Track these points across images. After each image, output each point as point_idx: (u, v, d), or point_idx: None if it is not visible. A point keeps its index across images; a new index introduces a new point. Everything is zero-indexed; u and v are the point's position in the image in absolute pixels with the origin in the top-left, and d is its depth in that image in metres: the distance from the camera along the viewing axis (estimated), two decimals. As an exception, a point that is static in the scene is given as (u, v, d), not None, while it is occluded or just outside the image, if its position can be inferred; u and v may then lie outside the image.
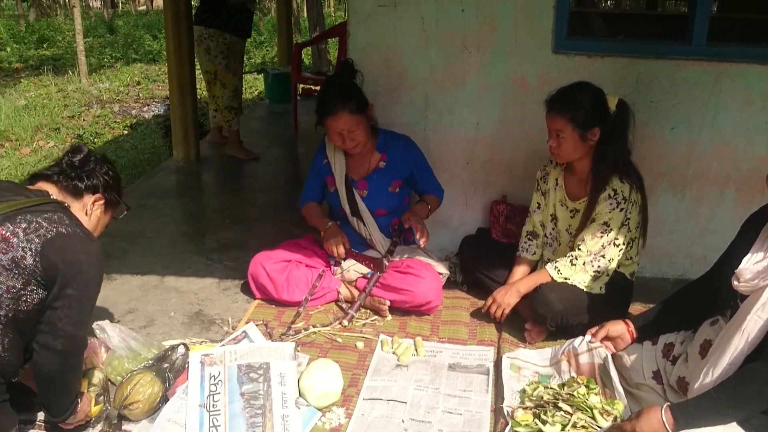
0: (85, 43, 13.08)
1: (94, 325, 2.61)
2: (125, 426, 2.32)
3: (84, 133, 7.45)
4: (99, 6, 29.70)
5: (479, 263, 3.22)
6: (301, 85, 7.07)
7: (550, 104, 2.73)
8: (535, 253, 3.06)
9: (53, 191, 2.12)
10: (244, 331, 2.75)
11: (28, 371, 2.13)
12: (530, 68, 3.32)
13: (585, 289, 2.76)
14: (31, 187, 2.11)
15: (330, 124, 2.99)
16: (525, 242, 3.07)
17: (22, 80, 11.87)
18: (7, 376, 1.91)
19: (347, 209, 3.20)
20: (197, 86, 5.83)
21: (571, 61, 3.28)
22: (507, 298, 2.85)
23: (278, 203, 4.69)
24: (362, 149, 3.10)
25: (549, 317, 2.74)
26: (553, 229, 2.99)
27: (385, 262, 3.12)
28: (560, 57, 3.28)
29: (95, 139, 7.42)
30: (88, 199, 2.18)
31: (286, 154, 6.30)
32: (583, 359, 2.48)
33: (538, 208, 3.06)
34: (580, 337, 2.52)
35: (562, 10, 3.22)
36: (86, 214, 2.19)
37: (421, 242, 3.04)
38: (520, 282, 2.89)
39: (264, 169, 5.65)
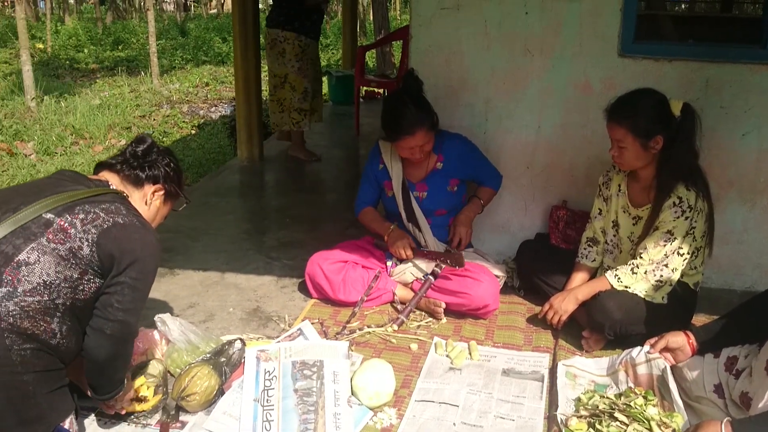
0: (157, 45, 13.52)
1: (155, 318, 2.69)
2: (182, 417, 2.37)
3: (153, 132, 7.69)
4: (172, 9, 30.63)
5: (537, 268, 3.17)
6: (364, 88, 7.12)
7: (610, 113, 2.67)
8: (594, 260, 3.00)
9: (115, 181, 2.18)
10: (300, 329, 2.79)
11: (76, 366, 2.19)
12: (595, 72, 3.26)
13: (646, 299, 2.69)
14: (92, 176, 2.17)
15: (406, 141, 3.00)
16: (585, 248, 3.02)
17: (97, 80, 12.36)
18: (66, 362, 1.95)
19: (403, 214, 3.21)
20: (262, 87, 5.93)
21: (637, 65, 3.21)
22: (564, 304, 2.81)
23: (337, 204, 4.75)
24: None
25: (607, 326, 2.69)
26: (614, 236, 2.92)
27: (439, 266, 3.12)
28: (626, 61, 3.21)
29: (164, 138, 7.66)
30: (148, 188, 2.23)
31: (347, 155, 6.36)
32: (641, 370, 2.42)
33: (600, 214, 3.00)
34: (639, 348, 2.46)
35: (630, 14, 3.15)
36: (146, 203, 2.23)
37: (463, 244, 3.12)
38: (579, 289, 2.84)
39: (325, 170, 5.72)
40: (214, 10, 31.11)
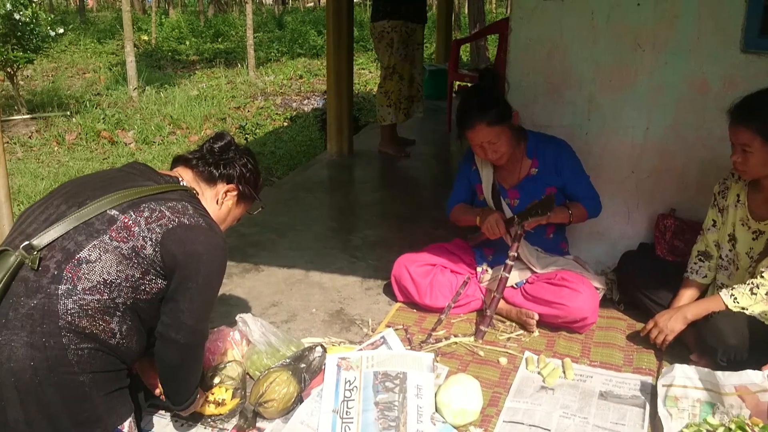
0: (255, 38, 13.73)
1: (237, 317, 2.63)
2: (259, 423, 2.30)
3: (246, 123, 7.77)
4: (271, 3, 31.25)
5: (640, 282, 2.93)
6: (457, 82, 6.93)
7: (735, 115, 2.40)
8: (706, 276, 2.73)
9: (188, 176, 2.10)
10: (383, 337, 2.66)
11: (144, 365, 2.15)
12: (713, 69, 2.97)
13: (765, 322, 2.41)
14: (164, 172, 2.09)
15: (469, 137, 2.82)
16: (695, 263, 2.75)
17: (196, 72, 12.67)
18: (127, 362, 1.90)
19: None
20: (354, 81, 5.85)
21: (762, 62, 2.89)
22: (671, 323, 2.56)
23: (426, 202, 4.60)
24: (508, 159, 2.90)
25: (720, 351, 2.43)
26: (730, 251, 2.64)
27: (520, 224, 2.88)
28: (750, 57, 2.90)
29: (256, 130, 7.72)
30: (221, 187, 2.14)
31: (439, 151, 6.20)
32: (765, 398, 2.15)
33: (713, 226, 2.72)
34: (759, 372, 2.18)
35: (756, 4, 2.84)
36: (217, 203, 2.15)
37: (526, 224, 2.86)
38: (688, 307, 2.58)
39: (415, 167, 5.58)
40: (311, 4, 31.50)
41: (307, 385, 2.42)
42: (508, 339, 2.84)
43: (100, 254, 1.77)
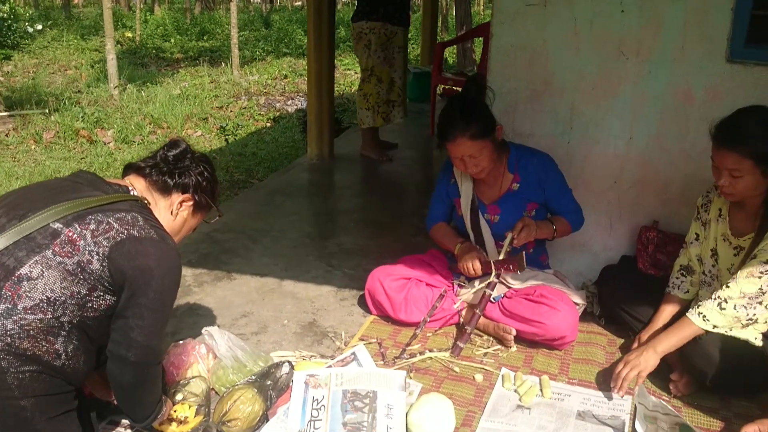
0: (241, 37, 13.61)
1: (203, 330, 2.54)
2: (223, 443, 2.20)
3: (228, 124, 7.64)
4: (259, 1, 31.08)
5: (620, 297, 2.84)
6: (441, 86, 6.85)
7: (719, 138, 2.28)
8: (688, 291, 2.64)
9: (140, 185, 2.00)
10: (354, 353, 2.57)
11: (95, 380, 2.06)
12: (698, 79, 2.89)
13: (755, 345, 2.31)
14: (113, 180, 1.99)
15: (450, 149, 2.71)
16: (677, 278, 2.67)
17: (180, 70, 12.53)
18: (74, 383, 1.80)
19: (471, 236, 2.94)
20: (339, 82, 5.74)
21: (748, 72, 2.82)
22: (644, 361, 2.36)
23: (406, 209, 4.52)
24: (489, 173, 2.80)
25: (710, 375, 2.34)
26: (713, 266, 2.56)
27: (498, 275, 2.78)
28: (735, 67, 2.82)
29: (237, 131, 7.60)
30: (176, 197, 2.04)
31: (421, 156, 6.10)
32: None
33: (696, 239, 2.64)
34: None
35: (742, 13, 2.77)
36: (171, 213, 2.05)
37: (516, 241, 2.72)
38: (658, 341, 2.39)
39: (397, 171, 5.49)
40: (299, 2, 31.32)
41: (273, 404, 2.32)
42: (485, 354, 2.76)
43: (42, 270, 1.67)
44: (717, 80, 2.86)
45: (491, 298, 2.85)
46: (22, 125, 7.99)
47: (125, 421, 2.22)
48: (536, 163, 2.87)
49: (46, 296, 1.67)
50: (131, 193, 1.95)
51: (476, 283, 2.85)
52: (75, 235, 1.72)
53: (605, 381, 2.55)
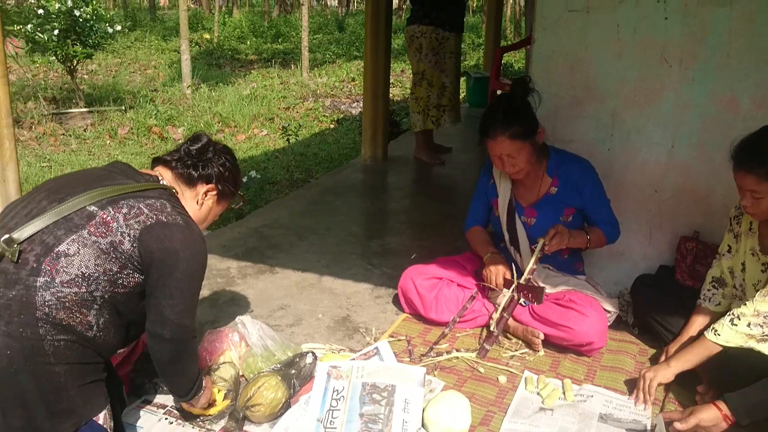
0: (314, 40, 13.88)
1: (236, 319, 2.65)
2: (247, 426, 2.30)
3: (290, 124, 7.84)
4: (336, 5, 31.56)
5: (653, 307, 2.81)
6: (499, 91, 6.84)
7: (738, 160, 2.25)
8: (719, 303, 2.59)
9: (168, 177, 2.14)
10: (377, 348, 2.64)
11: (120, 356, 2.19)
12: (743, 88, 2.83)
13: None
14: (145, 171, 2.14)
15: (489, 146, 2.76)
16: (709, 289, 2.63)
17: (252, 71, 12.89)
18: (104, 355, 1.93)
19: (506, 236, 2.96)
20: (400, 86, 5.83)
21: (796, 81, 2.75)
22: (660, 377, 2.41)
23: (452, 212, 4.54)
24: (526, 175, 2.82)
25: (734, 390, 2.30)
26: (744, 280, 2.51)
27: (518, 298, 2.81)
28: (783, 76, 2.76)
29: (298, 132, 7.77)
30: (201, 188, 2.18)
31: (474, 160, 6.11)
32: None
33: (728, 251, 2.59)
34: None
35: (791, 21, 2.71)
36: (197, 203, 2.18)
37: (547, 247, 2.73)
38: (676, 359, 2.41)
39: (448, 175, 5.53)
40: (375, 6, 31.64)
41: (297, 392, 2.41)
42: (512, 357, 2.78)
43: (78, 248, 1.82)
44: (763, 89, 2.80)
45: (521, 302, 2.88)
46: (100, 121, 8.42)
47: (158, 401, 2.36)
48: (575, 167, 2.87)
49: (82, 272, 1.81)
50: (161, 183, 2.09)
51: (498, 297, 2.88)
52: (109, 218, 1.87)
53: (629, 390, 2.54)
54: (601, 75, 3.06)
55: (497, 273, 2.82)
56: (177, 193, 2.13)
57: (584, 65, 3.08)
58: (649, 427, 2.32)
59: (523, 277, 2.77)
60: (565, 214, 2.88)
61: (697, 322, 2.59)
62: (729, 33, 2.80)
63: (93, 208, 1.87)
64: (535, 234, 2.87)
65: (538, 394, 2.52)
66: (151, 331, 1.96)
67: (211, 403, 2.32)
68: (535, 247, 2.78)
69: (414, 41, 5.39)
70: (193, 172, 2.15)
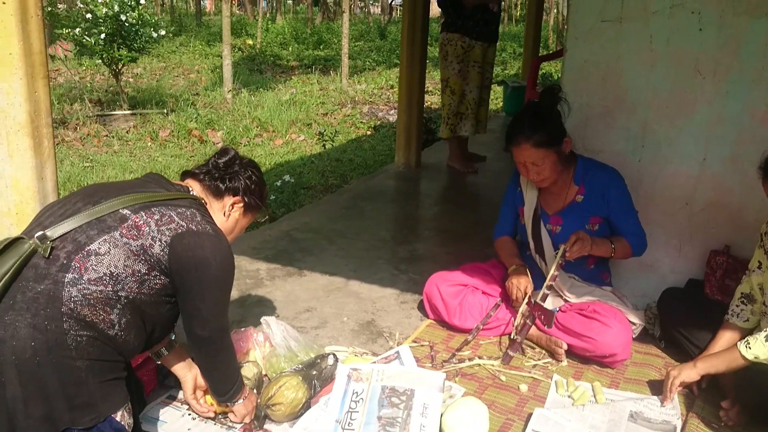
0: (355, 47, 13.98)
1: (261, 319, 2.70)
2: (267, 425, 2.34)
3: (326, 130, 7.92)
4: (379, 12, 31.76)
5: (680, 320, 2.78)
6: (535, 100, 6.83)
7: (766, 170, 2.25)
8: (748, 319, 2.55)
9: (197, 189, 2.19)
10: (398, 352, 2.66)
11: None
12: (778, 101, 2.80)
13: None
14: (176, 182, 2.20)
15: (514, 153, 2.77)
16: (737, 305, 2.58)
17: (293, 77, 13.04)
18: (125, 355, 1.97)
19: (531, 244, 2.96)
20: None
21: (833, 95, 2.70)
22: (684, 375, 2.41)
23: (482, 220, 4.55)
24: (552, 183, 2.82)
25: (760, 407, 2.27)
26: (775, 298, 2.47)
27: (531, 318, 2.80)
28: (819, 90, 2.71)
29: (334, 137, 7.85)
30: (228, 200, 2.23)
31: (507, 169, 6.08)
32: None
33: (759, 267, 2.54)
34: None
35: (829, 34, 2.66)
36: (224, 215, 2.23)
37: (568, 254, 2.70)
38: (704, 358, 2.42)
39: (480, 183, 5.53)
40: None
41: (317, 392, 2.45)
42: (534, 366, 2.77)
43: (109, 248, 1.87)
44: (799, 103, 2.76)
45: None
46: (142, 123, 8.61)
47: (182, 396, 2.41)
48: (603, 176, 2.86)
49: (110, 271, 1.87)
50: (191, 193, 2.16)
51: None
52: (141, 222, 1.93)
53: (655, 394, 2.53)
54: (632, 86, 3.04)
55: (518, 286, 2.82)
56: (206, 204, 2.18)
57: (616, 75, 3.06)
58: (678, 428, 2.31)
59: (544, 285, 2.76)
60: (591, 222, 2.87)
61: (725, 337, 2.55)
62: (764, 46, 2.76)
63: (126, 211, 1.94)
64: (560, 242, 2.84)
65: (569, 396, 2.53)
66: (191, 333, 2.04)
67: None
68: (557, 254, 2.77)
69: (442, 48, 5.44)
70: (221, 185, 2.21)
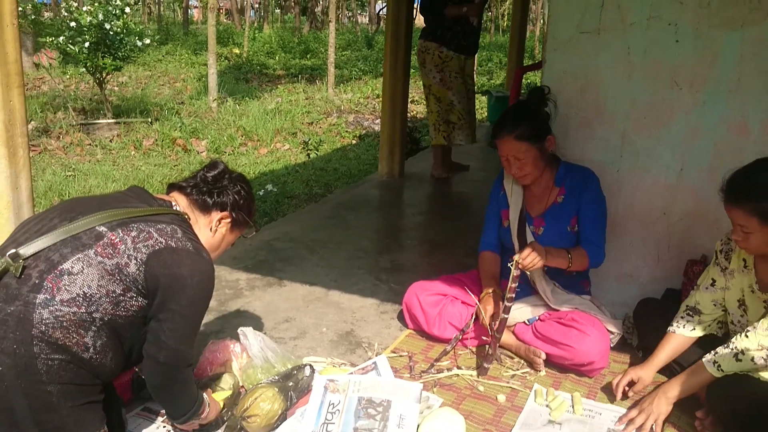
0: (342, 56, 14.01)
1: (238, 330, 2.67)
2: (242, 436, 2.32)
3: (310, 139, 7.91)
4: (366, 22, 31.87)
5: (655, 330, 2.78)
6: (523, 99, 6.86)
7: (727, 195, 2.23)
8: (694, 329, 2.53)
9: (183, 203, 2.13)
10: (375, 363, 2.65)
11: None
12: (754, 112, 2.81)
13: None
14: (159, 196, 2.13)
15: (498, 146, 2.82)
16: (683, 317, 2.56)
17: (279, 86, 13.05)
18: (101, 378, 1.91)
19: (516, 246, 2.96)
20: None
21: (808, 107, 2.73)
22: (656, 407, 2.38)
23: (463, 229, 4.55)
24: (536, 184, 2.86)
25: (733, 417, 2.26)
26: (741, 316, 2.45)
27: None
28: (795, 101, 2.74)
29: (319, 147, 7.84)
30: (215, 215, 2.17)
31: (490, 178, 6.09)
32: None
33: (712, 285, 2.52)
34: None
35: (803, 46, 2.69)
36: (211, 230, 2.18)
37: (521, 264, 2.61)
38: (671, 386, 2.39)
39: (463, 192, 5.54)
40: (404, 24, 31.88)
41: (294, 404, 2.43)
42: (513, 376, 2.77)
43: (83, 267, 1.80)
44: (774, 114, 2.78)
45: (526, 320, 2.88)
46: (126, 132, 8.58)
47: (158, 408, 2.38)
48: (581, 176, 2.89)
49: (84, 291, 1.80)
50: (174, 208, 2.09)
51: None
52: (117, 239, 1.86)
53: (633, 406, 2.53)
54: (611, 96, 3.06)
55: (486, 313, 2.80)
56: (190, 219, 2.12)
57: (594, 87, 3.08)
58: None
59: (504, 297, 2.70)
60: (571, 223, 2.88)
61: (668, 347, 2.55)
62: (740, 58, 2.79)
63: (102, 228, 1.87)
64: (543, 244, 2.83)
65: (547, 406, 2.52)
66: (148, 352, 1.94)
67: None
68: (511, 265, 2.73)
69: (420, 55, 5.50)
70: (208, 199, 2.15)
